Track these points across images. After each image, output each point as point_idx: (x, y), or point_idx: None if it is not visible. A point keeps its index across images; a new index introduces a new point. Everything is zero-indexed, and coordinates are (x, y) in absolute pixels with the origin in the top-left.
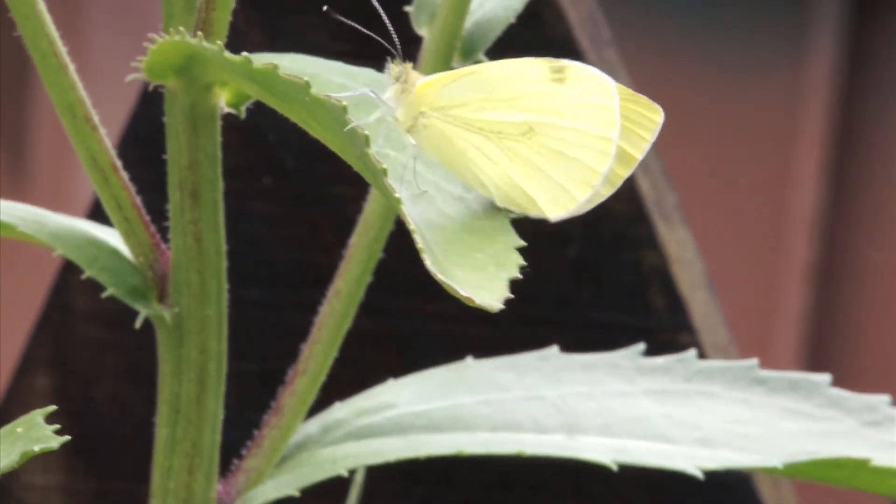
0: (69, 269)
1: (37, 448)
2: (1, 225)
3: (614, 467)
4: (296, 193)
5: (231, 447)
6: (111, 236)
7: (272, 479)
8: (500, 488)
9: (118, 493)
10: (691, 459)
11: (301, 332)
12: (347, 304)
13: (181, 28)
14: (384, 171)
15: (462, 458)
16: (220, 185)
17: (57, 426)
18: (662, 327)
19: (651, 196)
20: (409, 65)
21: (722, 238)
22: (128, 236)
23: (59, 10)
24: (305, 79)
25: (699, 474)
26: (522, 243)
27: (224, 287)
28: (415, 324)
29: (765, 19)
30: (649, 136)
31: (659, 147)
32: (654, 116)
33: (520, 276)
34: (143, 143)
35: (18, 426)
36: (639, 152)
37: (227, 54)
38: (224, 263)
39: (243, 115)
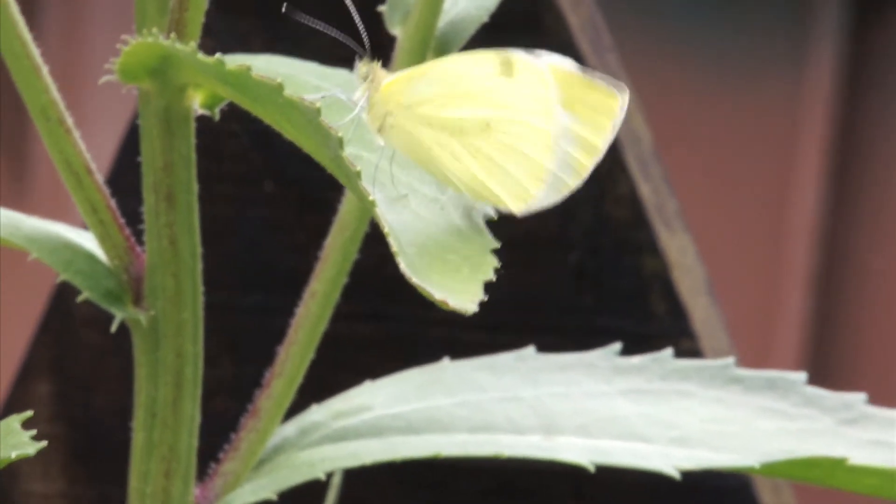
0: None
1: (13, 454)
2: None
3: (591, 468)
4: (296, 199)
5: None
6: (86, 240)
7: (249, 482)
8: (497, 494)
9: (119, 500)
10: (668, 459)
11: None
12: (323, 306)
13: (154, 29)
14: (358, 174)
15: (462, 463)
16: (195, 187)
17: (33, 431)
18: (663, 333)
19: (652, 201)
20: (376, 64)
21: (723, 243)
22: (103, 239)
23: (60, 11)
24: (279, 80)
25: (676, 475)
26: (496, 244)
27: (199, 290)
28: (416, 329)
29: (765, 24)
30: (609, 122)
31: (660, 152)
32: (612, 102)
33: (493, 279)
34: None
35: None
36: (600, 140)
37: (200, 56)
38: (199, 266)
39: (217, 116)
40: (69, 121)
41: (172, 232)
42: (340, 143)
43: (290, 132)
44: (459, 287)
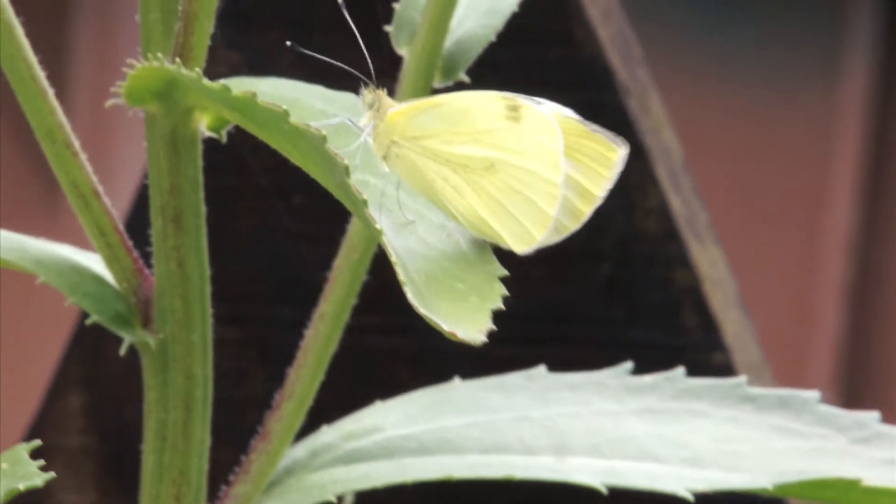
0: None
1: (21, 486)
2: None
3: (604, 490)
4: (326, 212)
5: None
6: (94, 262)
7: None
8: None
9: None
10: (680, 480)
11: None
12: (332, 327)
13: (159, 54)
14: (365, 202)
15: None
16: (203, 209)
17: (41, 462)
18: (694, 346)
19: (683, 214)
20: (381, 91)
21: (755, 257)
22: (111, 262)
23: (90, 28)
24: (284, 107)
25: (689, 496)
26: (505, 272)
27: (208, 312)
28: (443, 343)
29: (798, 37)
30: (608, 172)
31: (691, 165)
32: (611, 154)
33: (502, 307)
34: None
35: (3, 461)
36: (599, 189)
37: (206, 82)
38: (208, 289)
39: (224, 139)
40: (76, 143)
41: (180, 254)
42: (347, 170)
43: (297, 158)
44: (468, 316)
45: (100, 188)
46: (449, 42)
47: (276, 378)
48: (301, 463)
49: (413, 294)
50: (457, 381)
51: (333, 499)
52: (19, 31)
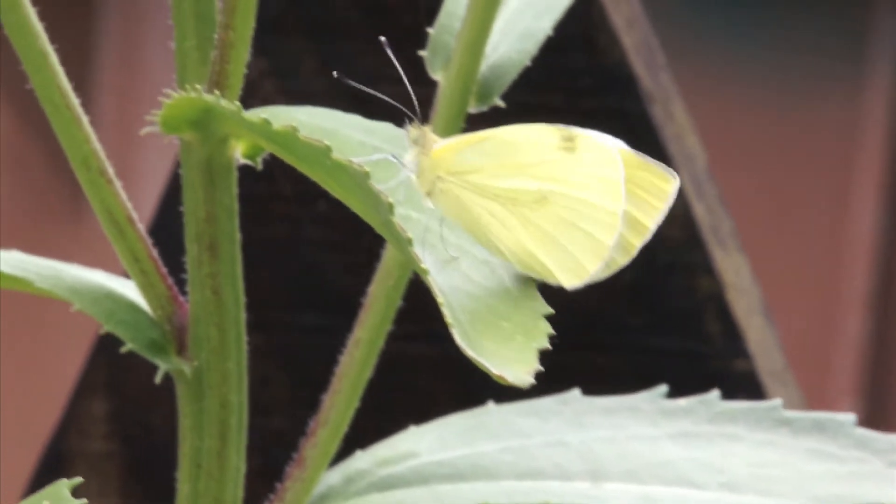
0: None
1: None
2: (18, 281)
3: None
4: (351, 218)
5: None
6: (129, 289)
7: None
8: None
9: None
10: None
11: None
12: (367, 354)
13: (197, 85)
14: (409, 241)
15: None
16: (238, 237)
17: (84, 501)
18: (718, 353)
19: (706, 222)
20: (427, 128)
21: (778, 264)
22: (145, 289)
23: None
24: (326, 143)
25: None
26: (550, 310)
27: (243, 340)
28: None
29: (822, 43)
30: (661, 204)
31: (714, 172)
32: (665, 186)
33: (549, 347)
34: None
35: (44, 498)
36: (651, 221)
37: (246, 114)
38: (243, 316)
39: (260, 166)
40: (110, 171)
41: (216, 282)
42: (391, 208)
43: (338, 192)
44: (515, 357)
45: (134, 215)
46: (484, 67)
47: (297, 384)
48: (336, 489)
49: (460, 336)
50: (490, 406)
51: None
52: (53, 58)
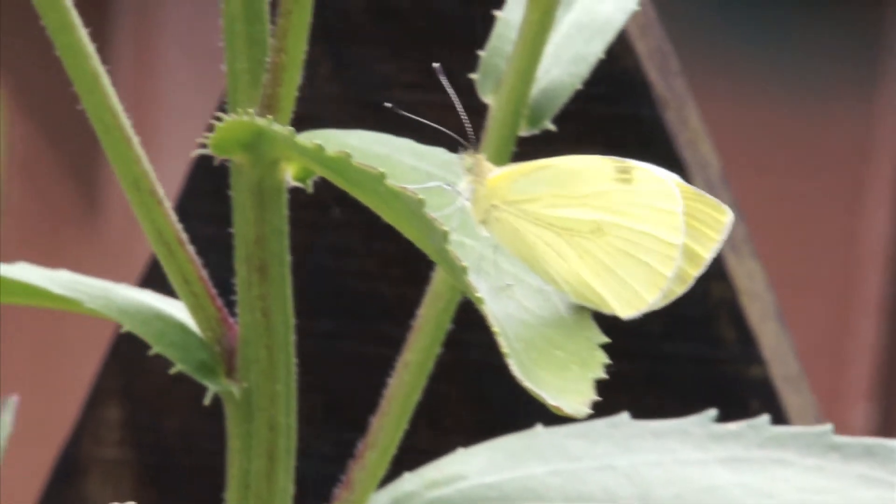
0: None
1: None
2: (68, 301)
3: None
4: (365, 224)
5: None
6: (177, 309)
7: None
8: None
9: None
10: None
11: (369, 364)
12: (417, 376)
13: (249, 109)
14: (465, 269)
15: None
16: (288, 259)
17: None
18: (732, 359)
19: None
20: (481, 156)
21: (792, 269)
22: (195, 311)
23: (129, 51)
24: (381, 170)
25: None
26: (606, 339)
27: (292, 362)
28: (487, 357)
29: (835, 49)
30: (717, 235)
31: (728, 178)
32: (720, 217)
33: (605, 376)
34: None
35: None
36: (707, 252)
37: (299, 139)
38: (292, 338)
39: (310, 188)
40: (160, 191)
41: (265, 304)
42: (445, 236)
43: (391, 218)
44: (570, 387)
45: (183, 236)
46: (535, 90)
47: (314, 389)
48: None
49: (517, 366)
50: (539, 428)
51: None
52: (105, 79)
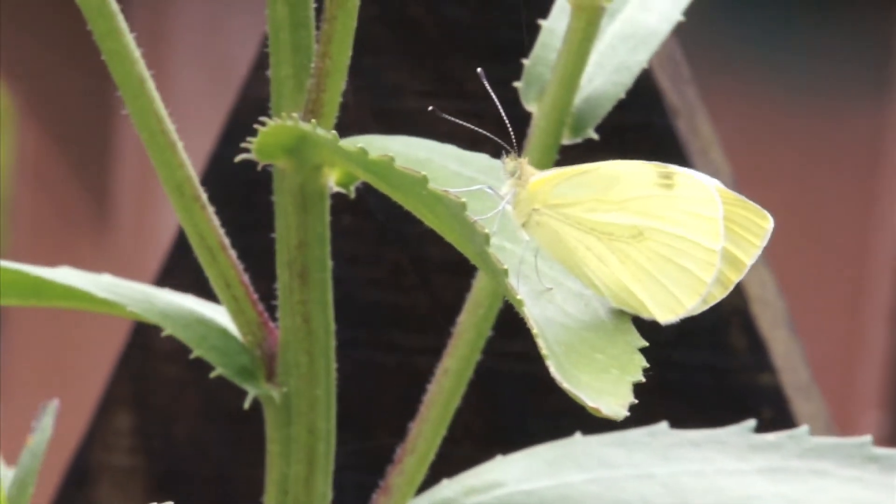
0: None
1: None
2: (110, 305)
3: None
4: (374, 232)
5: None
6: (218, 314)
7: None
8: None
9: None
10: None
11: (379, 371)
12: (456, 383)
13: (293, 114)
14: (505, 272)
15: None
16: (329, 264)
17: None
18: (743, 367)
19: None
20: (524, 160)
21: (804, 277)
22: (236, 315)
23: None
24: (423, 173)
25: None
26: (644, 343)
27: (333, 367)
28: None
29: (847, 57)
30: (758, 241)
31: (740, 186)
32: (762, 222)
33: (643, 380)
34: (224, 181)
35: None
36: (748, 257)
37: (342, 143)
38: (333, 343)
39: (353, 194)
40: (203, 196)
41: (306, 309)
42: (487, 239)
43: (433, 222)
44: (609, 389)
45: (226, 241)
46: (578, 99)
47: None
48: None
49: (556, 368)
50: (578, 437)
51: None
52: (150, 84)
